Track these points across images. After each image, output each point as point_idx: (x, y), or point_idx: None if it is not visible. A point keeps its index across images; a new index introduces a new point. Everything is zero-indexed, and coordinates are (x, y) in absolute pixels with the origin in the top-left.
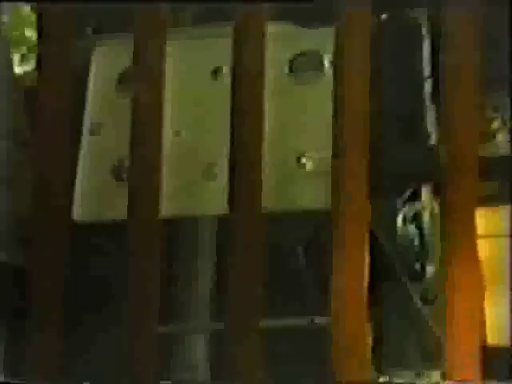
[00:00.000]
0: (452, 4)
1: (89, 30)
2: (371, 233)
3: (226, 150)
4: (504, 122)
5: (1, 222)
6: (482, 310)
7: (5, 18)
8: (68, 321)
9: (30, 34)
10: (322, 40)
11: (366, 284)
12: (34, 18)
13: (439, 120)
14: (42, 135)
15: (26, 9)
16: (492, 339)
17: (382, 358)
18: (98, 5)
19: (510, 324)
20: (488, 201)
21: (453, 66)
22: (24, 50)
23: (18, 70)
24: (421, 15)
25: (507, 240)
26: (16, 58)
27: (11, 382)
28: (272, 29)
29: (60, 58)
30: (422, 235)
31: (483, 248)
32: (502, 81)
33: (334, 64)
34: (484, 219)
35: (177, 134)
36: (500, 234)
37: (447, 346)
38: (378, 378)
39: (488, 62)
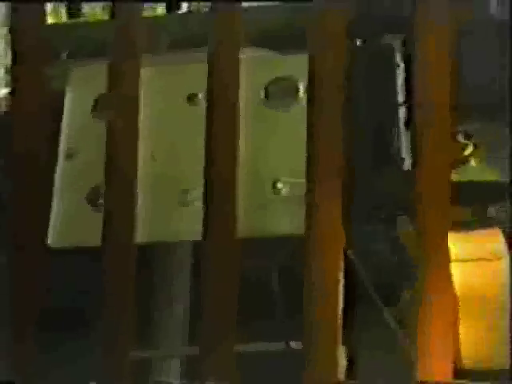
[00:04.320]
0: (425, 30)
1: (64, 55)
2: (346, 257)
3: (201, 175)
4: (476, 148)
5: None
6: (455, 333)
7: None
8: (42, 346)
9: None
10: (296, 66)
11: (340, 308)
12: None
13: (413, 146)
14: (16, 159)
15: (5, 29)
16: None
17: (356, 381)
18: (73, 29)
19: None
20: (461, 226)
21: (425, 91)
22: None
23: None
24: (395, 41)
25: (480, 264)
26: None
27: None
28: (247, 54)
29: (34, 82)
30: (397, 260)
31: (456, 272)
32: (474, 107)
33: (308, 90)
34: (457, 244)
35: (152, 159)
36: (473, 258)
37: (420, 370)
38: None
39: (461, 89)
